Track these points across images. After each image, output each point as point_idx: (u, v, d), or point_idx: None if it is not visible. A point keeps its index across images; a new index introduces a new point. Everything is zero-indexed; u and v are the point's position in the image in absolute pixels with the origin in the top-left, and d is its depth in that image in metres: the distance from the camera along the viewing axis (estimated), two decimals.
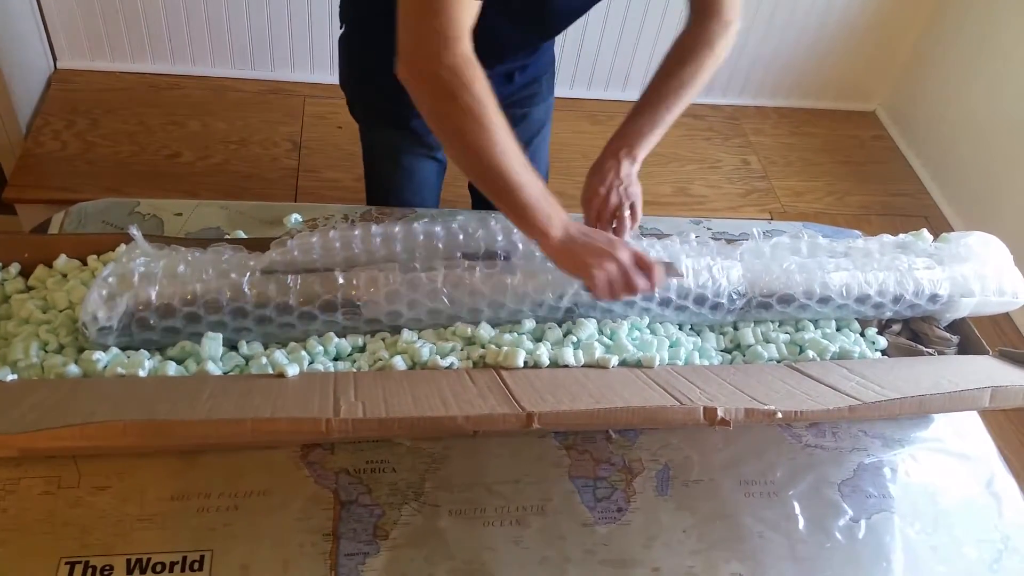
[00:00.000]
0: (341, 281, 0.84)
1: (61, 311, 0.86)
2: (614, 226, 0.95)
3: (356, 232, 0.91)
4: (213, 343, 0.81)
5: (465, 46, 0.76)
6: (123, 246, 0.92)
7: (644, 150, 0.96)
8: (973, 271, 0.99)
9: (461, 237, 0.93)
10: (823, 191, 2.33)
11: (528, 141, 1.26)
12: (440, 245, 0.92)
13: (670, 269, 0.89)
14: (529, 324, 0.90)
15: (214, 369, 0.80)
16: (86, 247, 0.94)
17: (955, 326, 1.04)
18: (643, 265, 0.85)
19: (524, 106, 1.21)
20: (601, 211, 0.94)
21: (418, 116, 1.13)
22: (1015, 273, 1.03)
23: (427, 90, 0.78)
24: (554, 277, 0.89)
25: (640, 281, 0.84)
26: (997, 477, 0.91)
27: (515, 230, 0.93)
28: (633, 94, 2.41)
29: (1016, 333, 2.06)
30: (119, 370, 0.77)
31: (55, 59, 2.13)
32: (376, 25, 1.06)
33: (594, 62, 2.37)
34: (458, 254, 0.91)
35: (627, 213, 0.94)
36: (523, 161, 0.81)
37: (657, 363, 0.87)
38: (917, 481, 0.87)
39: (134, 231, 0.88)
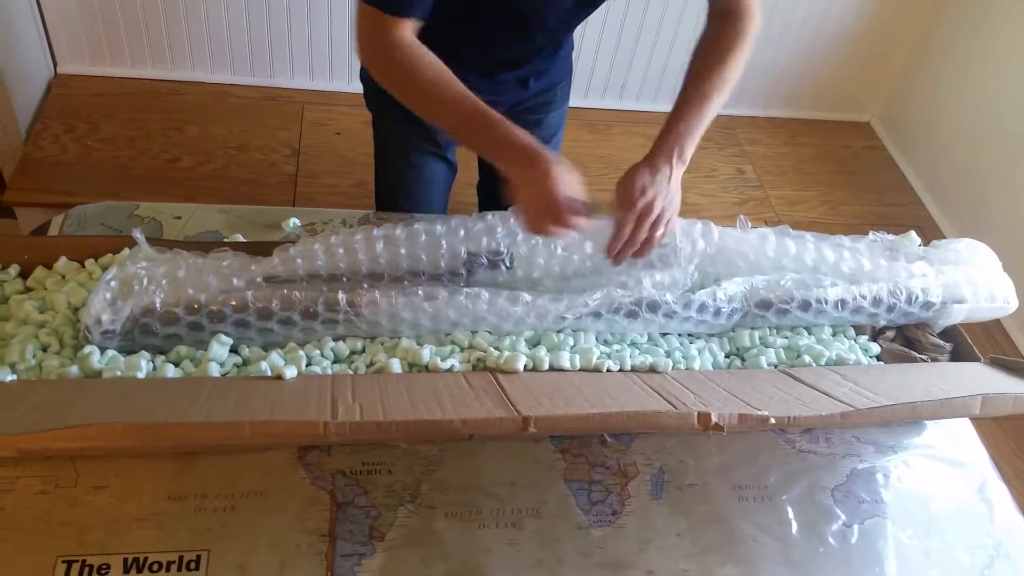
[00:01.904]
0: (343, 304, 0.85)
1: (59, 312, 0.86)
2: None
3: (358, 237, 0.91)
4: (221, 348, 0.82)
5: (402, 32, 0.87)
6: (127, 250, 0.92)
7: (692, 150, 0.96)
8: (964, 277, 1.00)
9: (463, 250, 0.93)
10: (817, 200, 2.34)
11: None
12: (443, 251, 0.92)
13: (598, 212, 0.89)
14: (528, 332, 0.91)
15: (215, 370, 0.80)
16: (86, 250, 0.94)
17: (947, 334, 1.04)
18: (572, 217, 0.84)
19: (538, 112, 1.24)
20: (645, 213, 0.91)
21: None
22: (1005, 279, 1.03)
23: (375, 68, 0.90)
24: (556, 297, 0.89)
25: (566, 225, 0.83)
26: (989, 483, 0.91)
27: (519, 233, 0.93)
28: (630, 103, 2.47)
29: (1008, 341, 2.07)
30: (117, 374, 0.78)
31: (55, 64, 2.14)
32: None
33: (591, 71, 2.39)
34: (463, 251, 0.92)
35: (666, 220, 0.93)
36: (477, 101, 0.86)
37: (668, 367, 0.87)
38: (910, 487, 0.88)
39: (138, 234, 0.88)
